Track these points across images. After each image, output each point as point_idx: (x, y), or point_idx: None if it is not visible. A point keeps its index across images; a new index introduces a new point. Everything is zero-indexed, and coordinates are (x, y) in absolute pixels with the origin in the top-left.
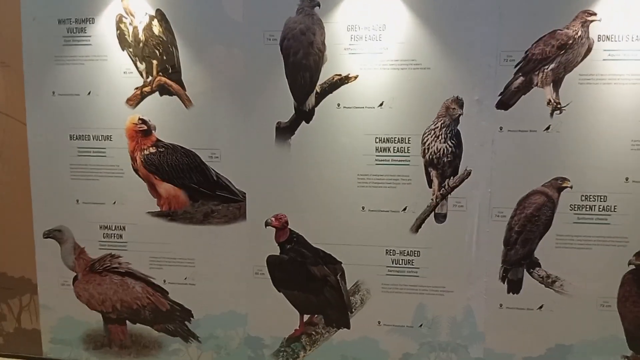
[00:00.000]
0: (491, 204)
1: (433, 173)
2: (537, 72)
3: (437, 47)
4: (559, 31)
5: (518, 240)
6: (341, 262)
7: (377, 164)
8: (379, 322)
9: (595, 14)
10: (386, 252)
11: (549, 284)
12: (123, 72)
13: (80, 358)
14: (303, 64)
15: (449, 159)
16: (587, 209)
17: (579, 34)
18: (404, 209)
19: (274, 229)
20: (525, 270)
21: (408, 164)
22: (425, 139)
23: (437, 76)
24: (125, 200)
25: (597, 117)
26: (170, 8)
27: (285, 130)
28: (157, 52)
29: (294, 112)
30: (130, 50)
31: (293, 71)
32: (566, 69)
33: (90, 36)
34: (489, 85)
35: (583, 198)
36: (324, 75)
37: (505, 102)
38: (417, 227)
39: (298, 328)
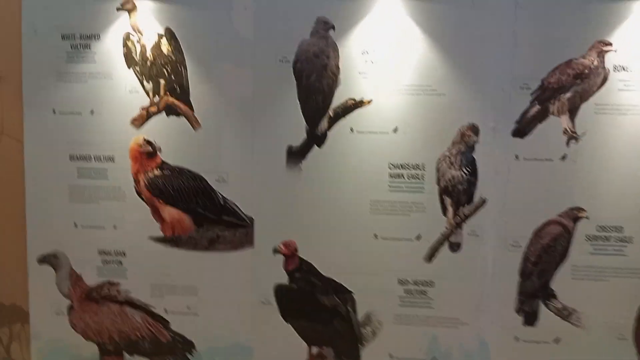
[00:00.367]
0: (506, 234)
1: (447, 201)
2: (553, 101)
3: (452, 73)
4: (575, 60)
5: (534, 271)
6: (352, 292)
7: (390, 191)
8: (391, 355)
9: (610, 44)
10: (399, 282)
11: (566, 316)
12: (128, 90)
13: None
14: (316, 86)
15: (464, 187)
16: (603, 240)
17: (595, 63)
18: (418, 237)
19: (282, 257)
20: (541, 302)
21: (422, 192)
22: (440, 166)
23: (453, 102)
24: (126, 224)
25: (613, 147)
26: (180, 27)
27: (296, 154)
28: (165, 71)
29: (305, 135)
30: (137, 68)
31: (305, 94)
32: (582, 98)
33: (95, 53)
34: (504, 113)
35: (599, 229)
36: (338, 99)
37: (521, 130)
38: (430, 256)
39: None
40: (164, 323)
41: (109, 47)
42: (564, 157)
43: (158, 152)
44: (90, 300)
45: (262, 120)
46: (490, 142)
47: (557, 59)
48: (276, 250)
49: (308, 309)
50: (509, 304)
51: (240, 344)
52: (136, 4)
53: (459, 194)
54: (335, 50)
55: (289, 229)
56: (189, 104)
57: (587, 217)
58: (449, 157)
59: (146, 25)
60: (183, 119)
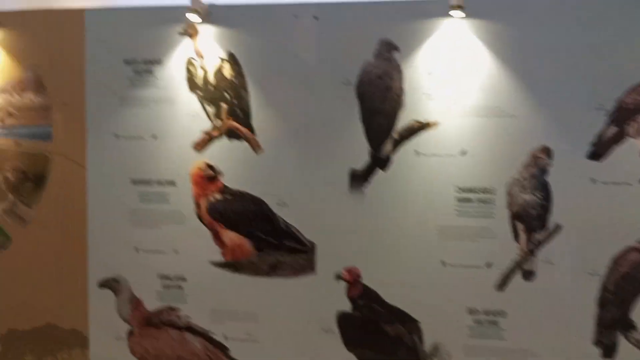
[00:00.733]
0: (583, 261)
1: (520, 226)
2: (630, 122)
3: (522, 93)
4: None
5: (613, 301)
6: (418, 321)
7: (458, 216)
8: None
9: None
10: (468, 311)
11: None
12: (191, 115)
13: None
14: (379, 109)
15: (537, 212)
16: None
17: None
18: (488, 265)
19: (345, 283)
20: (620, 333)
21: (492, 216)
22: (511, 190)
23: (524, 124)
24: (187, 248)
25: None
26: (242, 51)
27: (359, 178)
28: (227, 95)
29: (369, 158)
30: (199, 93)
31: (369, 116)
32: None
33: (157, 78)
34: (579, 135)
35: None
36: (402, 121)
37: (597, 152)
38: (502, 285)
39: None
40: (224, 350)
41: (172, 71)
42: None
43: (219, 176)
44: (150, 325)
45: (324, 144)
46: (564, 165)
47: (634, 79)
48: (339, 277)
49: (372, 338)
50: (586, 335)
51: None
52: (198, 28)
53: (532, 219)
54: (399, 71)
55: (351, 255)
56: (250, 128)
57: None
58: (521, 181)
59: (208, 50)
60: (244, 143)
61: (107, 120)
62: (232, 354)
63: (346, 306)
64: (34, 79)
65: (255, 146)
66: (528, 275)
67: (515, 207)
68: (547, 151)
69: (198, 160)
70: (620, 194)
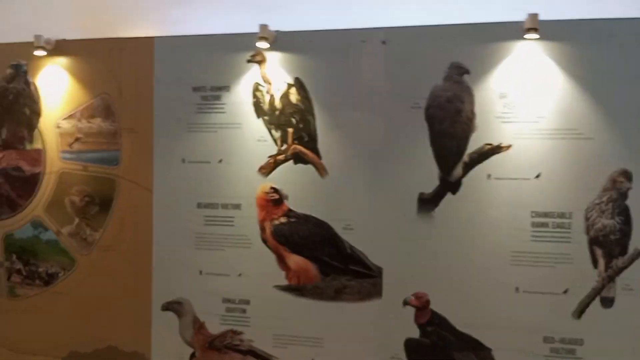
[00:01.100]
0: None
1: (598, 252)
2: None
3: (600, 115)
4: None
5: None
6: (490, 349)
7: (532, 241)
8: None
9: None
10: (544, 340)
11: None
12: (257, 139)
13: None
14: (449, 132)
15: (617, 237)
16: None
17: None
18: (565, 291)
19: (413, 309)
20: None
21: (569, 241)
22: (590, 214)
23: (602, 146)
24: (251, 272)
25: None
26: (309, 76)
27: (428, 202)
28: (293, 120)
29: (438, 182)
30: (266, 118)
31: (438, 140)
32: None
33: (224, 104)
34: None
35: None
36: (473, 145)
37: None
38: (580, 312)
39: None
40: None
41: (239, 97)
42: None
43: (285, 200)
44: (212, 348)
45: (391, 167)
46: None
47: None
48: (407, 302)
49: None
50: None
51: None
52: (266, 55)
53: (611, 244)
54: (471, 94)
55: (419, 280)
56: (316, 152)
57: None
58: (600, 205)
59: (275, 75)
60: (310, 167)
61: (174, 145)
62: None
63: (414, 332)
64: (103, 106)
65: (321, 170)
66: (607, 302)
67: (594, 232)
68: (626, 174)
69: (263, 184)
70: None
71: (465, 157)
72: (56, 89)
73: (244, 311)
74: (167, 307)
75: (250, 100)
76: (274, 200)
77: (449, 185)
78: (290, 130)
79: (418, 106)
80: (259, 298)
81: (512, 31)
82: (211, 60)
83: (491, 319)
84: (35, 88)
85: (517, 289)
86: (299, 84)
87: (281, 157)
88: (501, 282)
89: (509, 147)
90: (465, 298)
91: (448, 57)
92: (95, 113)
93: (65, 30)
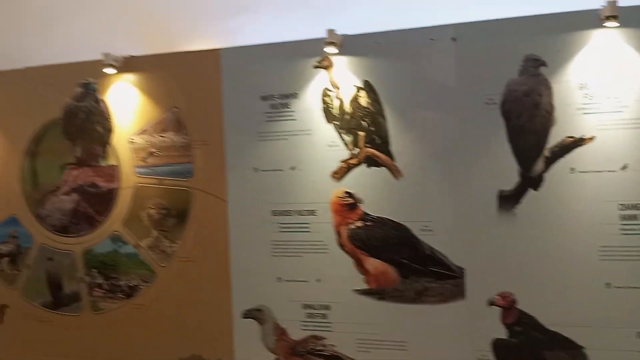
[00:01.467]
0: None
1: None
2: None
3: None
4: None
5: None
6: (582, 347)
7: (622, 234)
8: None
9: None
10: (637, 335)
11: None
12: (328, 145)
13: None
14: (527, 127)
15: None
16: None
17: None
18: None
19: (499, 309)
20: None
21: None
22: None
23: None
24: (329, 277)
25: None
26: (378, 78)
27: (509, 199)
28: (364, 123)
29: (518, 178)
30: (336, 122)
31: (516, 135)
32: None
33: (294, 111)
34: None
35: None
36: (554, 138)
37: None
38: None
39: None
40: None
41: (308, 104)
42: None
43: (359, 204)
44: (295, 354)
45: (468, 165)
46: None
47: None
48: (492, 302)
49: None
50: None
51: None
52: (333, 60)
53: None
54: (548, 87)
55: (504, 279)
56: (389, 154)
57: None
58: None
59: (343, 79)
60: (384, 170)
61: (245, 155)
62: None
63: (501, 333)
64: (174, 120)
65: (395, 172)
66: None
67: None
68: None
69: (337, 189)
70: None
71: (546, 152)
72: (127, 105)
73: (324, 316)
74: (248, 314)
75: (319, 106)
76: (349, 205)
77: (531, 181)
78: (361, 133)
79: (492, 102)
80: (339, 303)
81: (589, 20)
82: (277, 68)
83: (581, 316)
84: (106, 105)
85: (607, 285)
86: (368, 86)
87: (353, 161)
88: (590, 278)
89: (591, 138)
90: (553, 296)
91: (522, 50)
92: (166, 127)
93: (127, 47)
